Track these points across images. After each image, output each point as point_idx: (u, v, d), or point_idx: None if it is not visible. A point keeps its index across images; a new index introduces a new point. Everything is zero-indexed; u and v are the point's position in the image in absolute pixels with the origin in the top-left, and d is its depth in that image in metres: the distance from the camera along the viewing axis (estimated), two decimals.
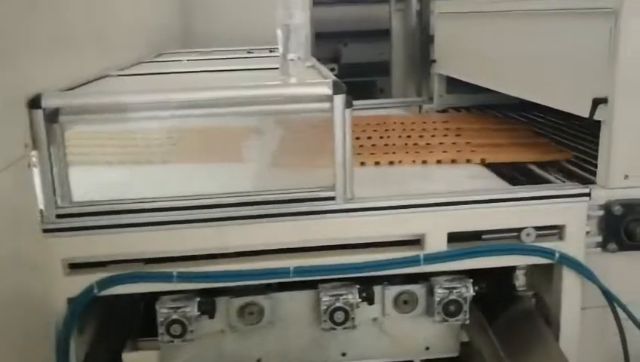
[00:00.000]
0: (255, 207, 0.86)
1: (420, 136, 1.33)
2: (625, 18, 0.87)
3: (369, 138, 1.33)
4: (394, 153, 1.20)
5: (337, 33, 2.74)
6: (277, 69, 0.95)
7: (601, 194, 0.91)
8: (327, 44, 2.71)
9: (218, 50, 1.76)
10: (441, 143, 1.27)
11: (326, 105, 0.84)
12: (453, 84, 1.67)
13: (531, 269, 0.97)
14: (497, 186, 1.00)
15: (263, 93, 0.85)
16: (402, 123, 1.49)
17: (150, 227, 0.84)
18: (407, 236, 0.89)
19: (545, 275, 0.95)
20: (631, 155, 0.90)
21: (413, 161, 1.15)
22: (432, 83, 1.76)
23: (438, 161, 1.15)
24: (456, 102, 1.72)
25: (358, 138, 1.32)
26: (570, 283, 0.91)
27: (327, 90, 0.83)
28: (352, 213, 0.87)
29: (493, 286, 0.95)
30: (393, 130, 1.43)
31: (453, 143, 1.26)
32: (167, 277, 0.85)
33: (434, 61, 1.72)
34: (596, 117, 0.91)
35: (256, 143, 1.04)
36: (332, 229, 0.87)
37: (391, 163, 1.15)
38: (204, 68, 1.27)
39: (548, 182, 0.99)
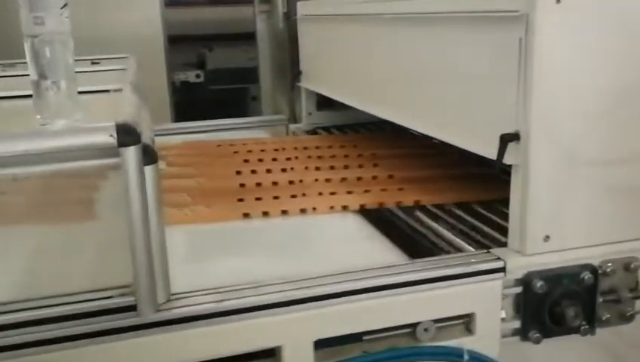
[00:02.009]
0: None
1: (316, 168, 1.08)
2: (539, 23, 0.63)
3: (253, 172, 1.07)
4: (278, 198, 0.94)
5: (199, 36, 2.45)
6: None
7: (516, 264, 0.66)
8: (188, 48, 2.44)
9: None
10: (343, 180, 1.01)
11: (111, 160, 0.53)
12: (327, 100, 1.41)
13: None
14: (385, 259, 0.72)
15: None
16: (282, 148, 1.22)
17: None
18: (255, 349, 0.60)
19: None
20: (553, 209, 0.67)
21: (302, 211, 0.89)
22: (299, 98, 1.49)
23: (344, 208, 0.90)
24: (327, 121, 1.46)
25: (238, 173, 1.06)
26: None
27: (108, 140, 0.52)
28: (165, 327, 0.56)
29: None
30: (274, 159, 1.15)
31: (359, 179, 1.01)
32: None
33: (300, 73, 1.45)
34: (507, 160, 0.67)
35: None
36: (134, 356, 0.56)
37: (284, 212, 0.89)
38: None
39: (447, 244, 0.74)
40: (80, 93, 0.84)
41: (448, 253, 0.73)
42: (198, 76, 2.41)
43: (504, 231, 0.71)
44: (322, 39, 1.31)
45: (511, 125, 0.66)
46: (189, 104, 2.19)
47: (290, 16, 1.80)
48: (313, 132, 1.44)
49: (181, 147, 1.27)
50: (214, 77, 2.40)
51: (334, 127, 1.44)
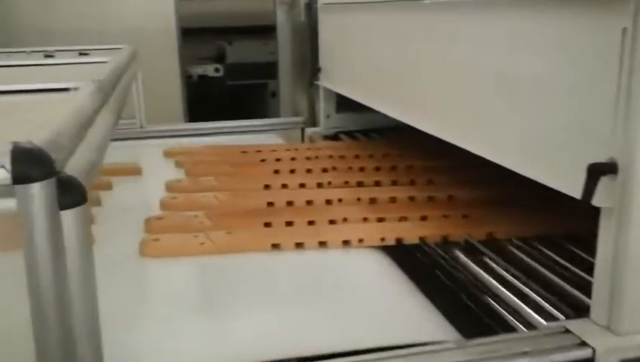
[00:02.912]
0: None
1: (358, 184, 0.92)
2: None
3: (284, 186, 0.91)
4: (313, 224, 0.77)
5: (219, 29, 2.29)
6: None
7: (605, 347, 0.47)
8: (208, 41, 2.29)
9: None
10: (391, 200, 0.84)
11: (7, 203, 0.35)
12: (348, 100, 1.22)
13: None
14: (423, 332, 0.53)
15: None
16: (316, 157, 1.04)
17: None
18: None
19: None
20: None
21: (345, 243, 0.71)
22: (318, 98, 1.30)
23: (398, 241, 0.71)
24: (346, 124, 1.27)
25: (267, 187, 0.90)
26: None
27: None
28: None
29: None
30: (308, 171, 0.97)
31: (411, 199, 0.84)
32: None
33: (319, 70, 1.26)
34: (597, 200, 0.47)
35: None
36: None
37: (321, 244, 0.71)
38: None
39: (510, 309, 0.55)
40: (31, 91, 0.67)
41: (510, 328, 0.54)
42: (217, 70, 2.25)
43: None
44: (345, 31, 1.12)
45: (604, 151, 0.46)
46: (205, 100, 2.04)
47: (312, 7, 1.62)
48: (333, 137, 1.25)
49: (202, 152, 1.10)
50: (234, 71, 2.23)
51: (356, 132, 1.25)
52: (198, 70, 2.18)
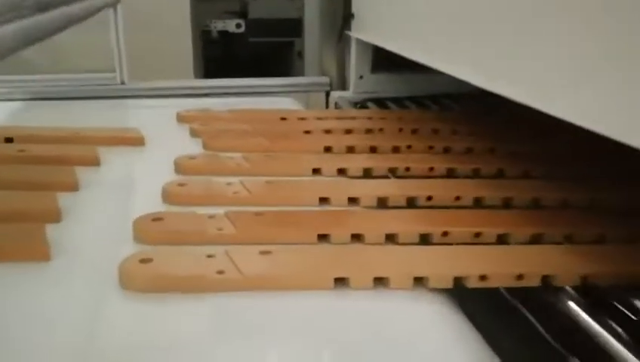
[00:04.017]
0: None
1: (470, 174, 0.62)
2: None
3: (340, 172, 0.63)
4: (394, 238, 0.48)
5: None
6: None
7: None
8: None
9: None
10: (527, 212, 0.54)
11: None
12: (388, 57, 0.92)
13: None
14: None
15: None
16: (380, 130, 0.77)
17: None
18: None
19: None
20: None
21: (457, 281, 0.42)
22: (349, 53, 1.01)
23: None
24: (384, 89, 0.98)
25: (316, 171, 0.62)
26: None
27: None
28: None
29: None
30: (372, 149, 0.70)
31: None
32: None
33: (351, 16, 0.96)
34: None
35: None
36: None
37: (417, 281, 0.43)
38: None
39: None
40: None
41: None
42: (238, 26, 2.00)
43: None
44: None
45: None
46: (225, 59, 1.79)
47: None
48: (363, 104, 0.96)
49: (225, 118, 0.83)
50: (256, 27, 1.97)
51: (393, 100, 0.96)
52: (218, 25, 1.93)
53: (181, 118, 0.82)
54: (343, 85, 1.06)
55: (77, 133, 0.72)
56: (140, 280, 0.41)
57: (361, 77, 0.99)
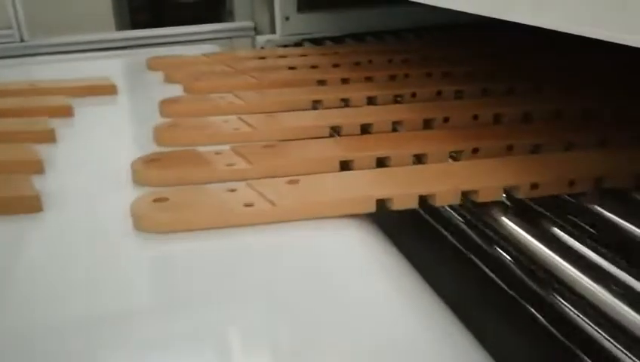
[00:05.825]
0: None
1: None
2: None
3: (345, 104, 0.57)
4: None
5: None
6: None
7: None
8: None
9: None
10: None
11: None
12: None
13: None
14: None
15: None
16: (369, 61, 0.72)
17: None
18: None
19: None
20: None
21: None
22: None
23: None
24: (313, 30, 0.93)
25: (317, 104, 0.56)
26: None
27: None
28: None
29: None
30: (369, 79, 0.65)
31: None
32: None
33: None
34: None
35: None
36: None
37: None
38: None
39: None
40: None
41: None
42: None
43: None
44: None
45: None
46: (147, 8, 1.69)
47: None
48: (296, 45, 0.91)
49: (202, 62, 0.76)
50: None
51: (324, 39, 0.91)
52: None
53: (152, 65, 0.75)
54: (273, 30, 1.00)
55: (33, 86, 0.65)
56: (159, 219, 0.36)
57: (287, 18, 0.93)
